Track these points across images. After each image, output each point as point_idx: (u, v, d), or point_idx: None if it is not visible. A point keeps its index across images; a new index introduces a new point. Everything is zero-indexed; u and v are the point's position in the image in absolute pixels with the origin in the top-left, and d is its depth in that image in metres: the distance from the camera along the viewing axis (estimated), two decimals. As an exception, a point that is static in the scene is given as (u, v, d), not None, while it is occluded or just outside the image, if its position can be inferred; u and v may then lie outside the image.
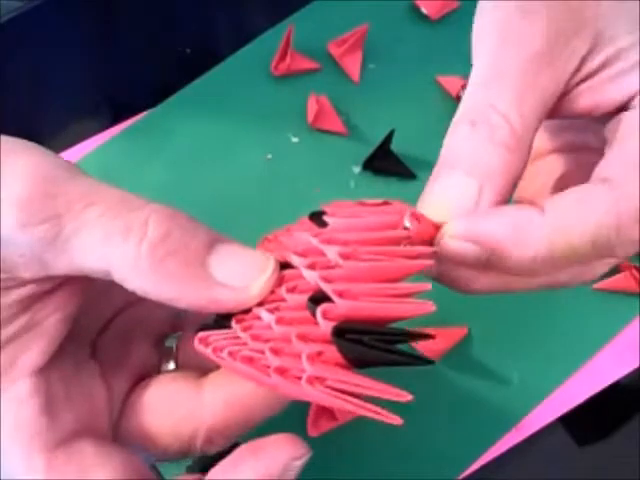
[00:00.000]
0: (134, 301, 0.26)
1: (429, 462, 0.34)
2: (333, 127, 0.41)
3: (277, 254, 0.23)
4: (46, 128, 0.43)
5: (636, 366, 0.37)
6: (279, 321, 0.20)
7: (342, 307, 0.18)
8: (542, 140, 0.28)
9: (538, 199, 0.22)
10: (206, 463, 0.30)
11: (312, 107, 0.41)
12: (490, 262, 0.21)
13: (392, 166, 0.40)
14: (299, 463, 0.21)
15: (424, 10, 0.44)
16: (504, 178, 0.22)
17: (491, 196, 0.21)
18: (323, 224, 0.22)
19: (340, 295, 0.18)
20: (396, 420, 0.17)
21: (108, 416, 0.23)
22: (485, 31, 0.23)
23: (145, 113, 0.42)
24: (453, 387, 0.36)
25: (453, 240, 0.21)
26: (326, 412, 0.34)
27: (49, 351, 0.21)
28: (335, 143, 0.41)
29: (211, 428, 0.23)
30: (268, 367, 0.19)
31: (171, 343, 0.26)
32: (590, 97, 0.23)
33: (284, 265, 0.22)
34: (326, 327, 0.18)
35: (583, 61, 0.22)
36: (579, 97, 0.23)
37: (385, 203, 0.23)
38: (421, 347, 0.35)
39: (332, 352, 0.18)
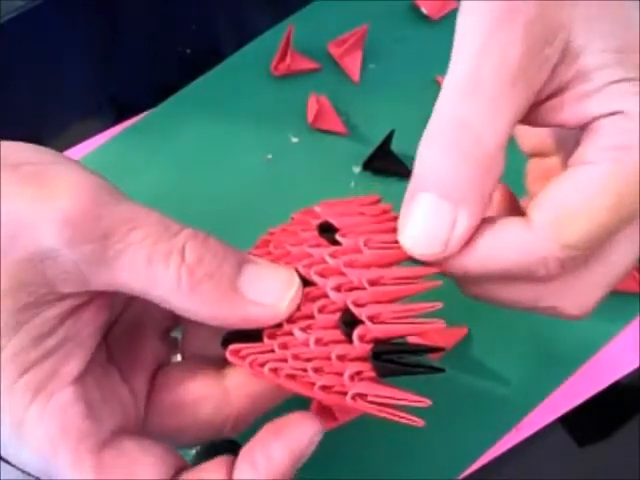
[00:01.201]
0: (135, 297, 0.26)
1: (429, 462, 0.34)
2: (333, 127, 0.41)
3: (290, 263, 0.24)
4: (47, 128, 0.43)
5: (636, 366, 0.37)
6: (317, 342, 0.22)
7: (374, 331, 0.22)
8: (550, 136, 0.28)
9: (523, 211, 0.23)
10: (211, 450, 0.31)
11: (312, 107, 0.41)
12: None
13: (392, 166, 0.40)
14: (317, 438, 0.22)
15: (424, 10, 0.44)
16: (479, 198, 0.22)
17: (468, 219, 0.22)
18: (334, 242, 0.24)
19: (371, 319, 0.22)
20: (419, 422, 0.21)
21: (135, 415, 0.24)
22: (465, 38, 0.22)
23: (145, 113, 0.42)
24: (453, 387, 0.36)
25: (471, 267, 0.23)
26: (326, 412, 0.34)
27: (85, 360, 0.22)
28: (335, 143, 0.41)
29: (237, 419, 0.24)
30: (312, 384, 0.22)
31: (176, 334, 0.27)
32: (558, 114, 0.23)
33: (303, 278, 0.24)
34: (362, 349, 0.22)
35: (555, 72, 0.22)
36: (549, 111, 0.23)
37: (378, 201, 0.25)
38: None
39: (367, 369, 0.22)
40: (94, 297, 0.22)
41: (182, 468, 0.23)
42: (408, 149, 0.40)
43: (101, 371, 0.24)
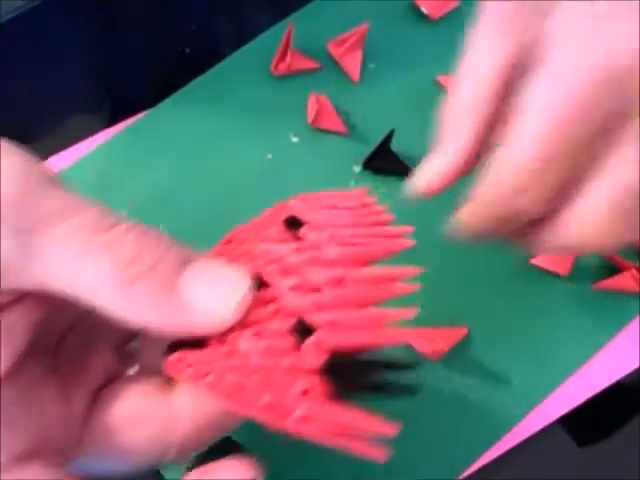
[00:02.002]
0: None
1: (429, 462, 0.34)
2: (333, 127, 0.41)
3: (248, 264, 0.21)
4: (46, 127, 0.43)
5: (636, 366, 0.37)
6: (263, 352, 0.19)
7: (331, 340, 0.18)
8: None
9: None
10: (210, 451, 0.30)
11: (312, 107, 0.41)
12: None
13: (392, 166, 0.40)
14: None
15: (424, 10, 0.44)
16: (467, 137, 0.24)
17: (458, 156, 0.24)
18: (299, 238, 0.21)
19: (328, 326, 0.18)
20: (380, 455, 0.18)
21: (64, 436, 0.22)
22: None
23: (145, 112, 0.42)
24: (453, 387, 0.36)
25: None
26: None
27: (8, 362, 0.20)
28: (335, 143, 0.41)
29: (184, 441, 0.22)
30: (254, 401, 0.19)
31: (134, 346, 0.25)
32: None
33: (257, 278, 0.21)
34: (315, 362, 0.18)
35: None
36: None
37: (361, 205, 0.22)
38: (422, 348, 0.35)
39: (320, 386, 0.18)
40: (22, 298, 0.20)
41: None
42: (408, 149, 0.40)
43: (32, 384, 0.21)
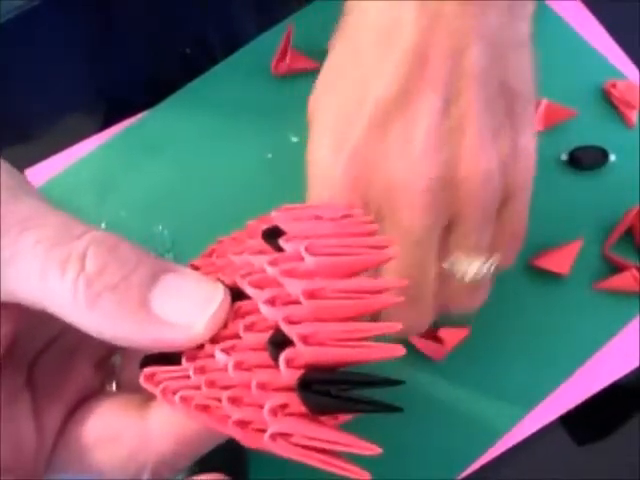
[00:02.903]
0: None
1: (429, 462, 0.34)
2: (333, 127, 0.41)
3: (227, 276, 0.21)
4: (46, 128, 0.43)
5: (636, 366, 0.37)
6: (237, 366, 0.18)
7: (307, 355, 0.17)
8: None
9: None
10: (208, 458, 0.30)
11: (312, 107, 0.41)
12: None
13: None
14: None
15: (424, 10, 0.44)
16: None
17: None
18: (278, 248, 0.20)
19: (304, 339, 0.17)
20: (363, 475, 0.17)
21: (35, 453, 0.21)
22: None
23: (145, 113, 0.42)
24: (453, 387, 0.36)
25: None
26: (326, 412, 0.34)
27: None
28: (335, 143, 0.41)
29: (158, 463, 0.21)
30: (227, 417, 0.18)
31: (115, 361, 0.24)
32: None
33: (236, 291, 0.20)
34: (290, 377, 0.17)
35: None
36: None
37: (344, 215, 0.21)
38: (424, 348, 0.35)
39: (295, 402, 0.17)
40: None
41: None
42: (408, 149, 0.40)
43: (4, 399, 0.21)
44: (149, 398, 0.21)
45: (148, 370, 0.20)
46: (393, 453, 0.35)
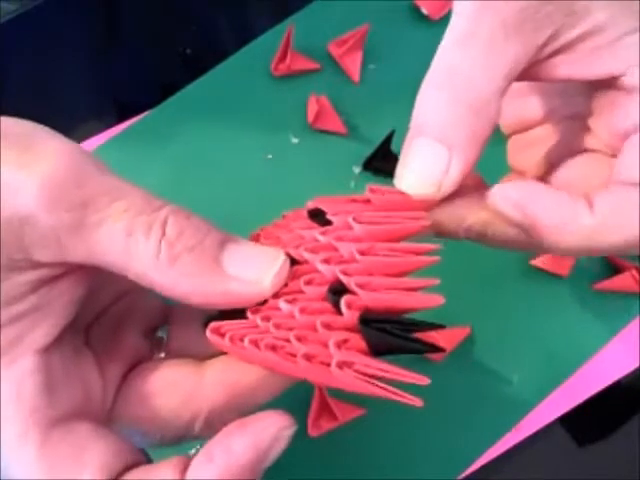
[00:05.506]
0: (127, 291, 0.26)
1: (429, 462, 0.35)
2: (333, 127, 0.41)
3: (279, 247, 0.23)
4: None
5: (636, 366, 0.37)
6: (302, 311, 0.21)
7: (364, 298, 0.20)
8: (532, 110, 0.29)
9: (589, 189, 0.23)
10: None
11: (312, 107, 0.41)
12: (525, 230, 0.22)
13: (392, 166, 0.39)
14: (286, 434, 0.21)
15: (424, 10, 0.44)
16: (471, 142, 0.22)
17: (461, 162, 0.22)
18: (326, 222, 0.23)
19: (360, 287, 0.20)
20: (417, 402, 0.19)
21: (101, 402, 0.24)
22: None
23: (145, 113, 0.42)
24: (453, 387, 0.36)
25: (503, 201, 0.22)
26: (326, 412, 0.34)
27: (53, 333, 0.22)
28: (335, 143, 0.41)
29: (211, 412, 0.23)
30: (293, 354, 0.20)
31: (162, 334, 0.26)
32: (566, 68, 0.23)
33: (290, 258, 0.23)
34: (351, 316, 0.20)
35: (558, 31, 0.23)
36: (555, 66, 0.23)
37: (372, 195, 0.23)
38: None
39: (356, 340, 0.20)
40: (71, 270, 0.22)
41: (135, 465, 0.22)
42: (408, 149, 0.40)
43: (73, 351, 0.23)
44: (202, 360, 0.24)
45: (214, 324, 0.22)
46: (393, 453, 0.35)
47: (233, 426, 0.21)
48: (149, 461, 0.22)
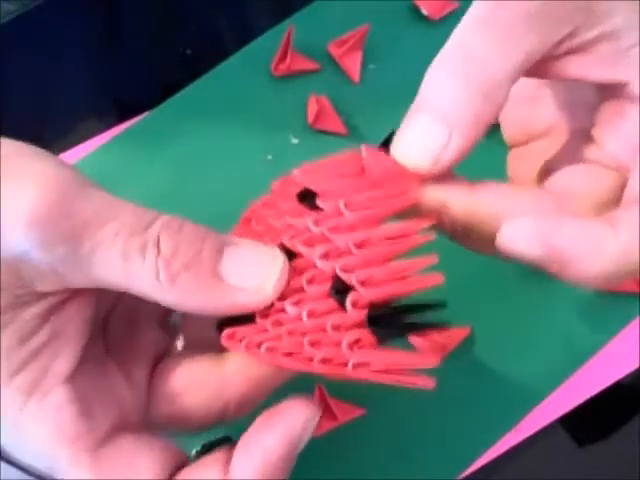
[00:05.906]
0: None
1: (429, 462, 0.35)
2: (333, 127, 0.41)
3: (274, 238, 0.23)
4: (47, 129, 0.43)
5: (636, 366, 0.37)
6: (310, 315, 0.21)
7: (368, 295, 0.21)
8: (536, 122, 0.29)
9: (607, 210, 0.22)
10: (209, 449, 0.30)
11: (312, 107, 0.41)
12: (546, 263, 0.22)
13: (392, 166, 0.40)
14: (314, 422, 0.22)
15: (424, 10, 0.44)
16: (473, 125, 0.22)
17: (460, 142, 0.22)
18: (315, 207, 0.23)
19: (362, 284, 0.21)
20: (430, 383, 0.20)
21: (135, 406, 0.24)
22: None
23: (145, 114, 0.42)
24: (454, 387, 0.36)
25: (519, 238, 0.22)
26: (326, 412, 0.34)
27: (75, 356, 0.22)
28: (335, 143, 0.41)
29: (238, 401, 0.24)
30: (310, 359, 0.21)
31: (176, 319, 0.26)
32: (577, 69, 0.23)
33: (287, 251, 0.23)
34: (358, 315, 0.21)
35: (576, 30, 0.22)
36: (567, 65, 0.23)
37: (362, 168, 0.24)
38: (425, 348, 0.35)
39: (366, 335, 0.21)
40: (76, 293, 0.22)
41: (182, 464, 0.22)
42: (408, 149, 0.40)
43: (96, 367, 0.23)
44: (219, 352, 0.24)
45: (228, 330, 0.23)
46: (393, 453, 0.35)
47: (261, 422, 0.22)
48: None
